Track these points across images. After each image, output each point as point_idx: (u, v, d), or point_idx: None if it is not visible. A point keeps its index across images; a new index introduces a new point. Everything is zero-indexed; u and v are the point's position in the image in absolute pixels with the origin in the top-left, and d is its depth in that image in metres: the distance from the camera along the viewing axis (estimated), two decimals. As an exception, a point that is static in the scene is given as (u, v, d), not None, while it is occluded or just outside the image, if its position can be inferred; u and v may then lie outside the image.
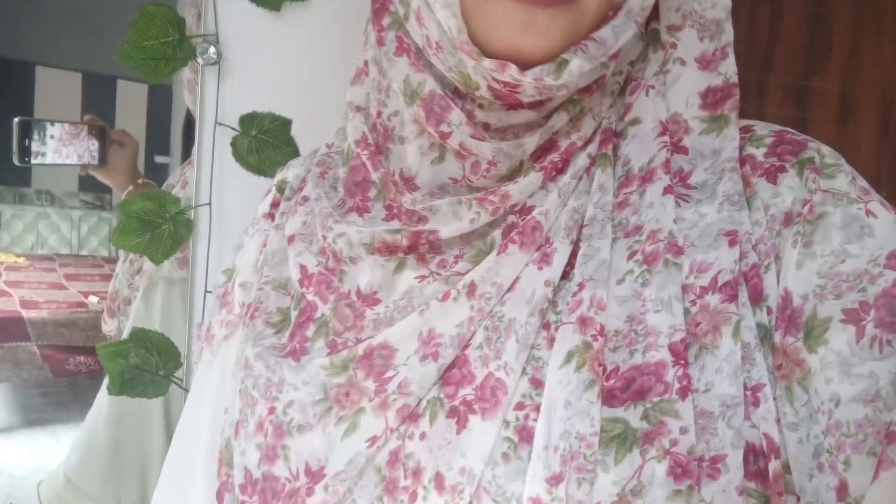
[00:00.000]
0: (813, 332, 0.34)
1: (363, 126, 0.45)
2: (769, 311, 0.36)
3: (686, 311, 0.35)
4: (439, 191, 0.42)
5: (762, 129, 0.41)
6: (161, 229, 1.00)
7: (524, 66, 0.36)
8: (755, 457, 0.33)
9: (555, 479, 0.32)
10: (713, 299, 0.35)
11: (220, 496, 0.45)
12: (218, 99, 0.99)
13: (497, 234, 0.40)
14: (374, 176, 0.43)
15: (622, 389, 0.34)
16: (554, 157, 0.41)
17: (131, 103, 1.42)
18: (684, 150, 0.40)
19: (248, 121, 0.99)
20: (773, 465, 0.32)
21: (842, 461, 0.32)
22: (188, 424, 0.53)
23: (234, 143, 1.00)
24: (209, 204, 1.02)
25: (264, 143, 1.00)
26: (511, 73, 0.36)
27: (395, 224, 0.42)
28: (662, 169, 0.39)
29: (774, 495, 0.32)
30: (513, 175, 0.41)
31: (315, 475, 0.38)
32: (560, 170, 0.41)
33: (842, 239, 0.36)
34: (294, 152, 1.01)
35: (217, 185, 1.01)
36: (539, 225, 0.39)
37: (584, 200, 0.40)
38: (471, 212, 0.40)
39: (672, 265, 0.36)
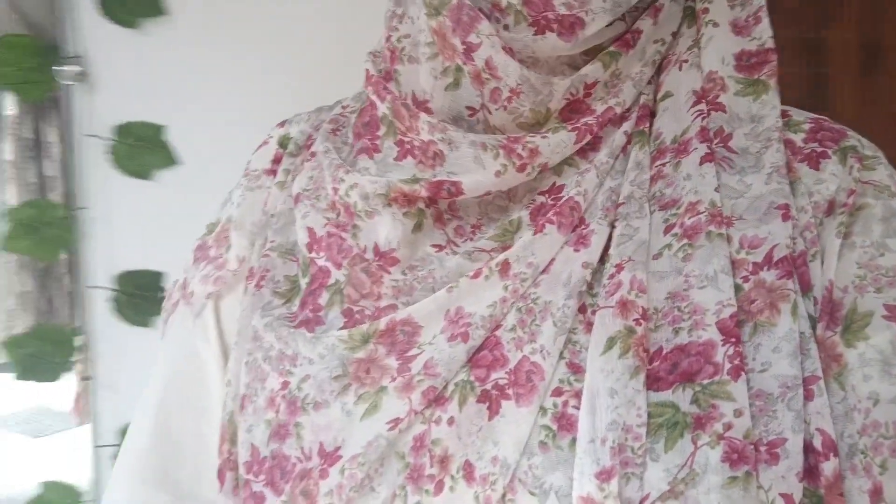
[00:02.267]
0: (852, 327, 0.34)
1: (369, 64, 0.43)
2: (815, 302, 0.35)
3: (738, 288, 0.34)
4: (454, 123, 0.39)
5: (797, 114, 0.40)
6: (45, 233, 1.09)
7: None
8: (806, 453, 0.31)
9: (605, 475, 0.31)
10: (768, 275, 0.34)
11: (221, 474, 0.42)
12: (92, 112, 1.08)
13: (524, 214, 0.39)
14: (383, 107, 0.41)
15: (668, 371, 0.33)
16: (589, 119, 0.38)
17: None
18: (721, 108, 0.38)
19: (124, 130, 1.09)
20: (830, 465, 0.31)
21: (878, 464, 0.31)
22: (182, 393, 0.48)
23: (112, 152, 1.09)
24: (87, 208, 1.11)
25: (141, 148, 1.09)
26: None
27: (410, 163, 0.40)
28: (698, 138, 0.38)
29: (835, 497, 0.31)
30: (535, 126, 0.39)
31: (329, 456, 0.36)
32: (592, 145, 0.39)
33: (882, 232, 0.35)
34: (168, 154, 1.11)
35: (97, 189, 1.11)
36: (577, 205, 0.38)
37: (619, 181, 0.39)
38: (497, 162, 0.37)
39: (716, 237, 0.35)
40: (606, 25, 0.38)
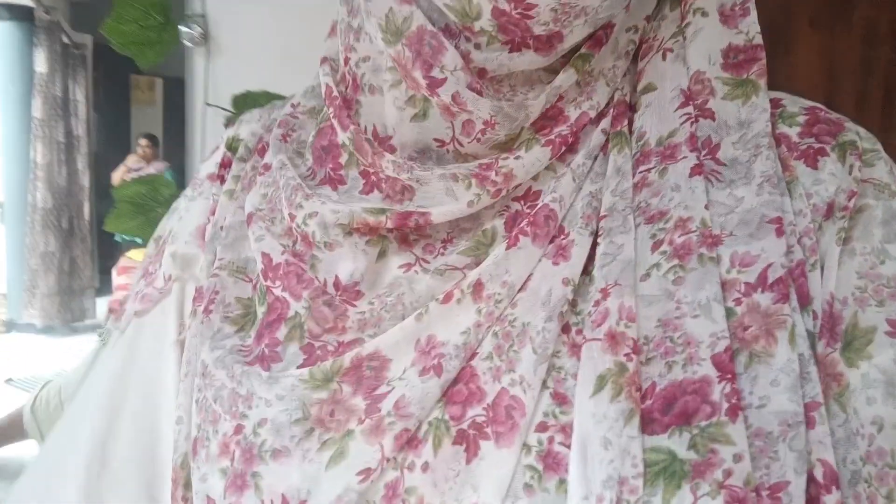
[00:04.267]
0: (853, 344, 0.32)
1: (328, 78, 0.39)
2: (814, 317, 0.33)
3: (730, 312, 0.32)
4: (420, 155, 0.37)
5: (791, 104, 0.38)
6: (155, 213, 1.00)
7: None
8: (807, 485, 0.30)
9: None
10: (763, 298, 0.32)
11: None
12: (207, 80, 0.99)
13: (498, 223, 0.36)
14: (343, 136, 0.37)
15: (662, 411, 0.31)
16: (563, 129, 0.36)
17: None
18: (710, 115, 0.36)
19: (242, 101, 0.99)
20: (832, 499, 0.29)
21: (884, 495, 0.30)
22: (76, 415, 0.46)
23: (227, 125, 1.00)
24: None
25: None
26: None
27: (377, 197, 0.37)
28: (687, 145, 0.35)
29: None
30: (509, 143, 0.36)
31: None
32: (570, 147, 0.36)
33: (882, 236, 0.34)
34: None
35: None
36: (553, 213, 0.35)
37: (600, 184, 0.36)
38: (469, 192, 0.35)
39: (708, 260, 0.33)
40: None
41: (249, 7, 0.98)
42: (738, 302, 0.32)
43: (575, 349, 0.33)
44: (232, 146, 0.44)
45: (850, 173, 0.34)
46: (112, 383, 0.44)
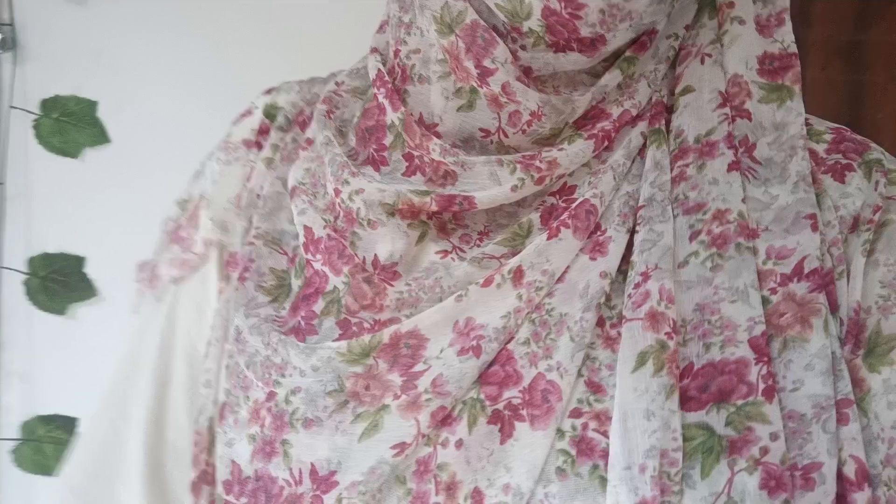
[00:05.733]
0: (876, 350, 0.33)
1: (379, 65, 0.40)
2: (841, 323, 0.33)
3: (765, 300, 0.33)
4: (464, 144, 0.38)
5: (818, 123, 0.39)
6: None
7: None
8: (837, 480, 0.30)
9: None
10: (799, 288, 0.33)
11: (196, 488, 0.39)
12: (13, 84, 1.01)
13: (535, 216, 0.37)
14: (393, 116, 0.38)
15: (700, 389, 0.31)
16: (605, 124, 0.37)
17: None
18: (747, 116, 0.37)
19: (51, 104, 1.03)
20: (863, 496, 0.30)
21: None
22: (120, 389, 0.45)
23: (36, 126, 1.03)
24: (3, 183, 1.05)
25: (67, 125, 1.04)
26: None
27: (419, 180, 0.37)
28: (725, 143, 0.36)
29: None
30: (551, 139, 0.37)
31: (324, 482, 0.33)
32: (607, 146, 0.38)
33: None
34: (100, 132, 1.06)
35: (20, 166, 1.04)
36: (594, 208, 0.35)
37: (637, 185, 0.37)
38: (513, 177, 0.35)
39: (745, 249, 0.33)
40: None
41: (58, 14, 1.02)
42: (773, 291, 0.33)
43: (609, 342, 0.34)
44: (269, 113, 0.44)
45: (875, 189, 0.36)
46: (159, 355, 0.43)
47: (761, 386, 0.31)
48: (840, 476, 0.30)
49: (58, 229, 1.06)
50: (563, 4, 0.32)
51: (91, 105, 1.05)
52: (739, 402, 0.31)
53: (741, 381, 0.31)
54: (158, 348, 0.43)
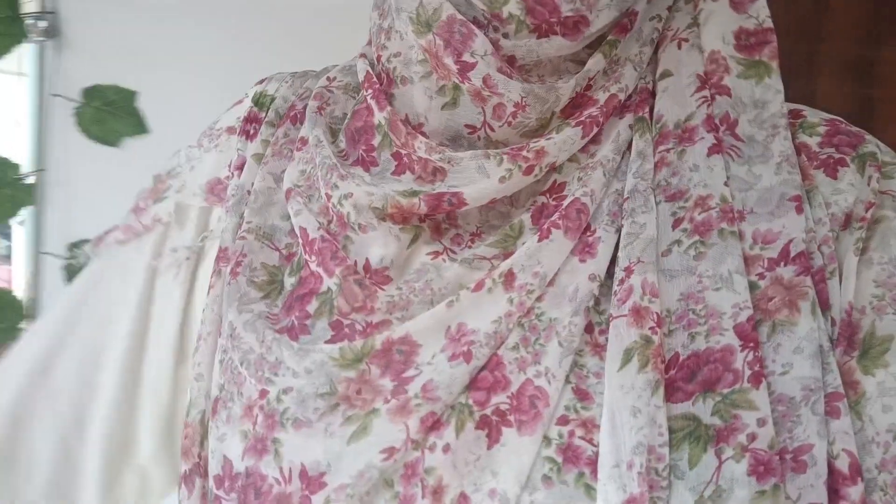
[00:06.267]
0: (870, 352, 0.32)
1: (367, 67, 0.40)
2: (833, 323, 0.33)
3: (753, 285, 0.32)
4: (451, 143, 0.38)
5: (812, 115, 0.38)
6: (2, 193, 1.03)
7: None
8: (829, 476, 0.30)
9: (633, 503, 0.29)
10: (786, 271, 0.32)
11: (188, 480, 0.39)
12: (55, 72, 1.03)
13: (525, 217, 0.36)
14: (379, 116, 0.38)
15: (686, 380, 0.31)
16: (593, 111, 0.36)
17: None
18: (727, 92, 0.37)
19: (91, 93, 1.04)
20: (856, 490, 0.30)
21: None
22: (29, 335, 0.47)
23: (77, 114, 1.04)
24: (45, 170, 1.07)
25: (108, 114, 1.05)
26: None
27: (409, 178, 0.37)
28: (704, 126, 0.36)
29: None
30: (540, 130, 0.37)
31: (313, 482, 0.34)
32: (594, 138, 0.37)
33: None
34: (138, 122, 1.07)
35: (61, 153, 1.06)
36: (584, 207, 0.35)
37: (626, 182, 0.36)
38: (501, 168, 0.35)
39: (729, 234, 0.33)
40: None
41: (101, 4, 1.03)
42: (761, 276, 0.33)
43: (597, 349, 0.34)
44: (259, 101, 0.44)
45: (868, 185, 0.35)
46: (70, 304, 0.45)
47: (747, 373, 0.31)
48: (833, 470, 0.30)
49: (97, 217, 1.08)
50: None
51: (131, 95, 1.06)
52: (725, 391, 0.31)
53: (727, 370, 0.31)
54: (72, 299, 0.45)
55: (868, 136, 0.37)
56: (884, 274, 0.34)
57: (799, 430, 0.30)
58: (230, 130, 0.45)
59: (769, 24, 0.38)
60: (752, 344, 0.31)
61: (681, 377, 0.31)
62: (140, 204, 0.46)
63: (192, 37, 1.04)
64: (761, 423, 0.30)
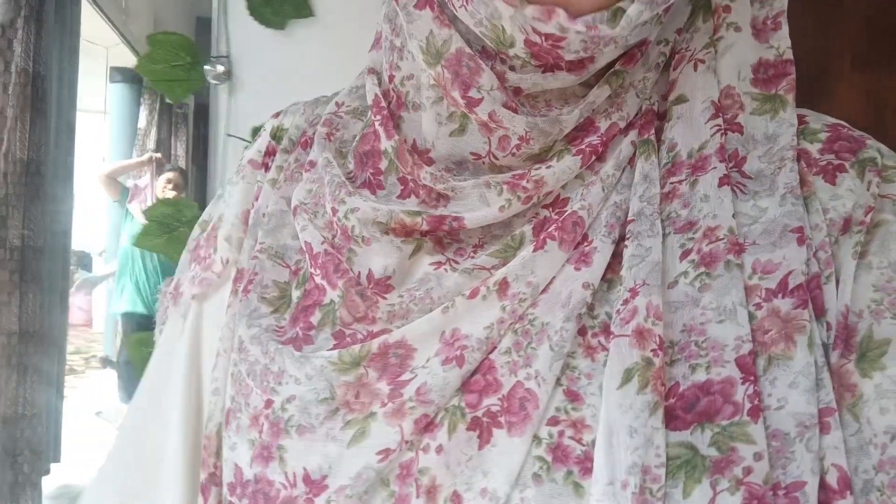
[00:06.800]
0: (868, 355, 0.32)
1: (376, 88, 0.41)
2: (828, 328, 0.33)
3: (750, 316, 0.33)
4: (457, 167, 0.39)
5: (815, 121, 0.38)
6: (179, 231, 1.09)
7: (571, 15, 0.33)
8: (818, 490, 0.30)
9: None
10: (783, 304, 0.32)
11: (205, 489, 0.41)
12: (230, 112, 1.07)
13: (527, 229, 0.37)
14: (387, 144, 0.39)
15: (685, 409, 0.32)
16: (593, 139, 0.37)
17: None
18: (739, 129, 0.37)
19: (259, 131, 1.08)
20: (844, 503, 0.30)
21: None
22: (153, 396, 0.47)
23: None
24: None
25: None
26: (559, 20, 0.32)
27: (413, 202, 0.39)
28: (717, 156, 0.36)
29: None
30: (542, 154, 0.38)
31: (315, 485, 0.35)
32: (599, 156, 0.38)
33: None
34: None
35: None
36: (580, 220, 0.36)
37: (626, 195, 0.37)
38: (500, 198, 0.36)
39: (734, 266, 0.33)
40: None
41: (269, 48, 1.07)
42: (758, 307, 0.33)
43: (590, 351, 0.34)
44: (276, 135, 0.46)
45: (867, 189, 0.35)
46: (188, 364, 0.45)
47: (747, 406, 0.31)
48: (823, 484, 0.30)
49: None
50: (542, 38, 0.33)
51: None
52: (724, 423, 0.31)
53: (727, 402, 0.31)
54: (187, 359, 0.46)
55: (870, 141, 0.37)
56: (883, 278, 0.33)
57: (793, 466, 0.30)
58: (252, 163, 0.46)
59: (789, 55, 0.38)
60: (752, 377, 0.31)
61: (680, 406, 0.31)
62: (200, 253, 0.47)
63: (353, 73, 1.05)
64: (758, 457, 0.30)
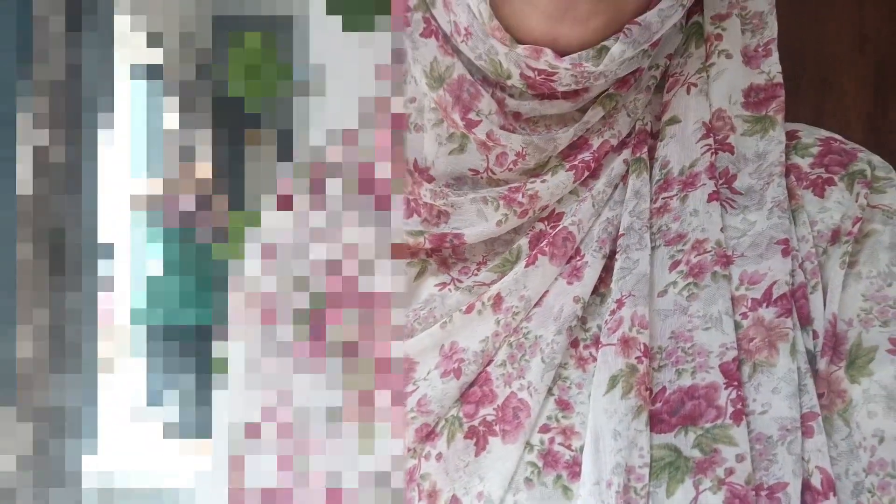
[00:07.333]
0: (857, 362, 0.33)
1: None
2: (815, 336, 0.34)
3: (737, 325, 0.34)
4: (456, 182, 0.40)
5: (807, 136, 0.40)
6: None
7: (560, 53, 0.34)
8: (803, 491, 0.31)
9: None
10: (767, 313, 0.34)
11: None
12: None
13: (524, 242, 0.39)
14: None
15: (670, 413, 0.33)
16: (585, 156, 0.38)
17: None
18: (729, 149, 0.39)
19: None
20: None
21: (886, 503, 0.31)
22: None
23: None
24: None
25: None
26: (546, 59, 0.34)
27: (416, 221, 0.40)
28: (706, 174, 0.38)
29: None
30: (538, 169, 0.39)
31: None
32: (592, 172, 0.39)
33: (889, 260, 0.35)
34: None
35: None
36: (571, 236, 0.37)
37: (618, 211, 0.38)
38: (497, 213, 0.38)
39: (721, 277, 0.35)
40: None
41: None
42: (744, 316, 0.34)
43: (581, 362, 0.36)
44: None
45: (856, 201, 0.36)
46: None
47: (730, 409, 0.32)
48: (808, 487, 0.31)
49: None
50: (535, 72, 0.35)
51: None
52: (707, 426, 0.32)
53: (710, 406, 0.32)
54: None
55: (861, 154, 0.38)
56: (872, 288, 0.34)
57: (775, 468, 0.31)
58: None
59: (779, 78, 0.39)
60: (735, 382, 0.32)
61: (666, 410, 0.33)
62: None
63: None
64: (740, 458, 0.31)
